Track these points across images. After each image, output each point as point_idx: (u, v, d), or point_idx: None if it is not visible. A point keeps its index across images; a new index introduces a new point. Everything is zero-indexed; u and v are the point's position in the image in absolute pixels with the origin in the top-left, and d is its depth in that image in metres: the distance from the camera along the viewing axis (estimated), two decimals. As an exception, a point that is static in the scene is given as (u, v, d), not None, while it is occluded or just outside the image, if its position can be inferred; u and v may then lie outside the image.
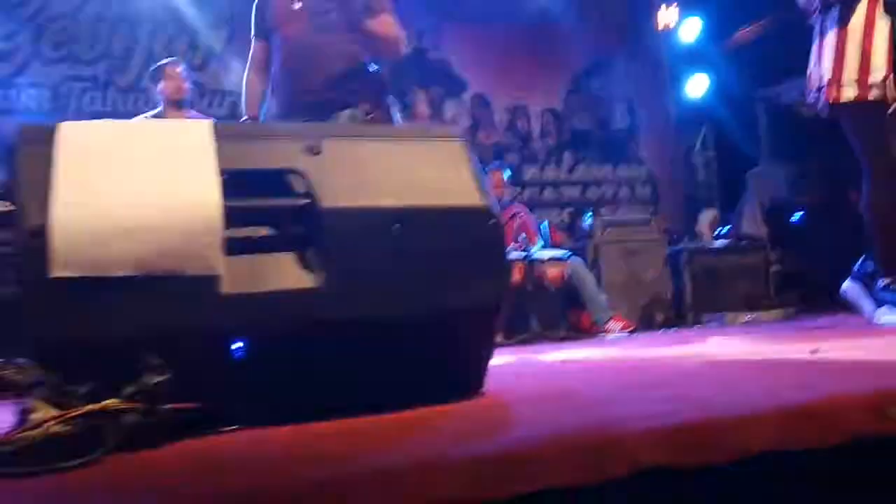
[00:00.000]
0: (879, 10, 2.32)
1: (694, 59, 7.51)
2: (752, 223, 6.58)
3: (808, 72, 2.48)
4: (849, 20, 2.32)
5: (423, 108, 6.30)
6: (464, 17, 6.96)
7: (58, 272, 1.04)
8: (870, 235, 2.48)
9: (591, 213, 5.62)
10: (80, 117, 5.52)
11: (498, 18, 7.08)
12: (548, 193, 7.24)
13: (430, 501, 0.67)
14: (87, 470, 0.92)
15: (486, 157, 6.93)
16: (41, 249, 1.04)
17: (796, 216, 6.44)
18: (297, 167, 1.26)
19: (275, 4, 2.81)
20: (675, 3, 7.55)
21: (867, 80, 2.30)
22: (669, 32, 7.69)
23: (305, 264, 1.22)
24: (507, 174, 5.05)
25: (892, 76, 2.30)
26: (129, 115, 5.60)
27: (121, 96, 5.70)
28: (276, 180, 1.27)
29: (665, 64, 8.00)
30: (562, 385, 1.46)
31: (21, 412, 1.09)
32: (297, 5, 2.73)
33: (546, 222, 5.89)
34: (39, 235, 1.04)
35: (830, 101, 2.37)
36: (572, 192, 7.36)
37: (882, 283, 2.45)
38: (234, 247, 1.18)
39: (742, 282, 5.54)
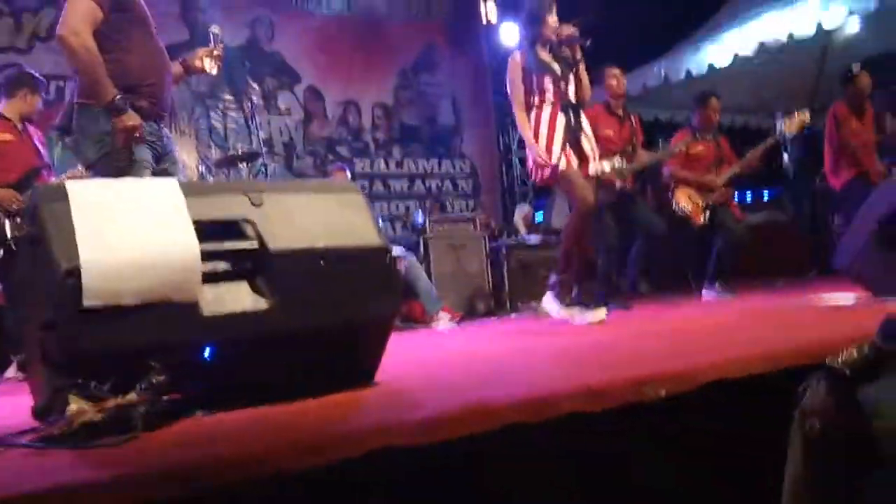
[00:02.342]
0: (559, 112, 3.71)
1: (513, 63, 8.46)
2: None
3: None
4: (540, 119, 3.72)
5: (257, 100, 6.62)
6: (296, 9, 7.34)
7: (88, 303, 1.49)
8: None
9: (420, 211, 6.32)
10: None
11: (330, 11, 7.54)
12: (378, 186, 7.87)
13: (391, 447, 1.26)
14: (130, 444, 1.39)
15: (318, 150, 7.41)
16: (75, 286, 1.48)
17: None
18: (247, 217, 1.77)
19: None
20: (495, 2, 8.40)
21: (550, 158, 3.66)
22: (491, 34, 8.54)
23: (256, 290, 1.74)
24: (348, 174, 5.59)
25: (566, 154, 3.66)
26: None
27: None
28: (229, 225, 1.77)
29: (487, 65, 8.90)
30: (432, 373, 2.10)
31: (50, 405, 1.52)
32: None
33: (378, 219, 6.51)
34: (73, 275, 1.48)
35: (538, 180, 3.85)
36: (401, 185, 8.06)
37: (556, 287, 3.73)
38: (204, 278, 1.67)
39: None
